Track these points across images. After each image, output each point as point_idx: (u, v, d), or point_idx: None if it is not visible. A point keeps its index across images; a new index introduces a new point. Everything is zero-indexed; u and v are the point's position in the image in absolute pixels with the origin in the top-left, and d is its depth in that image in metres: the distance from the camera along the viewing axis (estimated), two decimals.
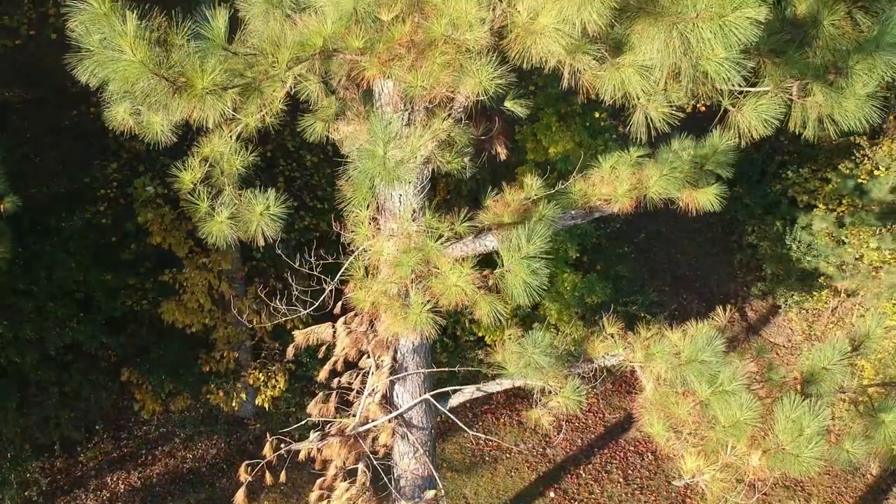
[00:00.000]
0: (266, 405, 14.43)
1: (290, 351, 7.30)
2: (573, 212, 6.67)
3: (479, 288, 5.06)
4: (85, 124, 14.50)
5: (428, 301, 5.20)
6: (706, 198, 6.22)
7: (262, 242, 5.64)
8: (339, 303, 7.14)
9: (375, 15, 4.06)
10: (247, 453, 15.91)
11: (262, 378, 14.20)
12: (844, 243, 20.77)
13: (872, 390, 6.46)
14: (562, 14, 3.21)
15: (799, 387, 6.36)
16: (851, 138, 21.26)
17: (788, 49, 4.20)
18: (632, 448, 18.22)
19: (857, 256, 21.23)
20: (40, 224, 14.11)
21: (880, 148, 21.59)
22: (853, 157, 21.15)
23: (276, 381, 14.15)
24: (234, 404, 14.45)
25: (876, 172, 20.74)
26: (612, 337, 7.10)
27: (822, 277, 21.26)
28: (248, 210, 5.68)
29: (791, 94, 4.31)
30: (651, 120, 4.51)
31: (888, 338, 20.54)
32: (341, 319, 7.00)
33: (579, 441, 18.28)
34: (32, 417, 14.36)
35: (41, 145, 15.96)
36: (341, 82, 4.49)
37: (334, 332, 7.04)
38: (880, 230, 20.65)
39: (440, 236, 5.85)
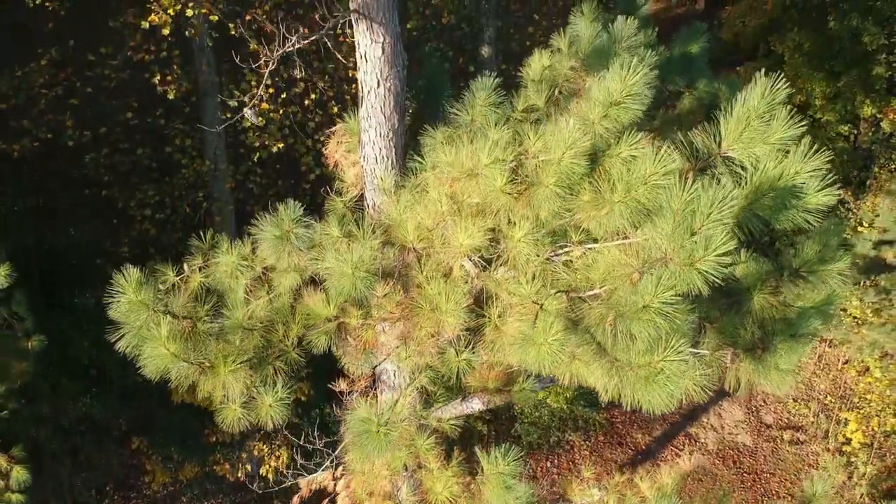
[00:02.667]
0: (270, 475, 15.13)
1: (296, 501, 7.99)
2: (551, 376, 7.37)
3: (463, 491, 5.76)
4: (93, 177, 14.97)
5: (418, 502, 5.90)
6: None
7: (270, 427, 6.31)
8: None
9: (371, 291, 4.75)
10: None
11: (266, 450, 14.90)
12: None
13: None
14: (523, 358, 3.93)
15: None
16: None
17: (726, 316, 4.89)
18: None
19: (842, 308, 21.83)
20: (56, 303, 14.81)
21: (864, 203, 22.21)
22: (838, 212, 21.78)
23: (280, 452, 14.84)
24: (239, 475, 15.17)
25: (860, 229, 21.34)
26: (587, 482, 7.80)
27: None
28: (258, 397, 6.37)
29: (726, 361, 5.01)
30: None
31: (872, 392, 21.08)
32: (342, 480, 7.72)
33: None
34: (49, 487, 15.08)
35: (52, 196, 16.50)
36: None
37: (335, 483, 7.76)
38: (864, 283, 21.25)
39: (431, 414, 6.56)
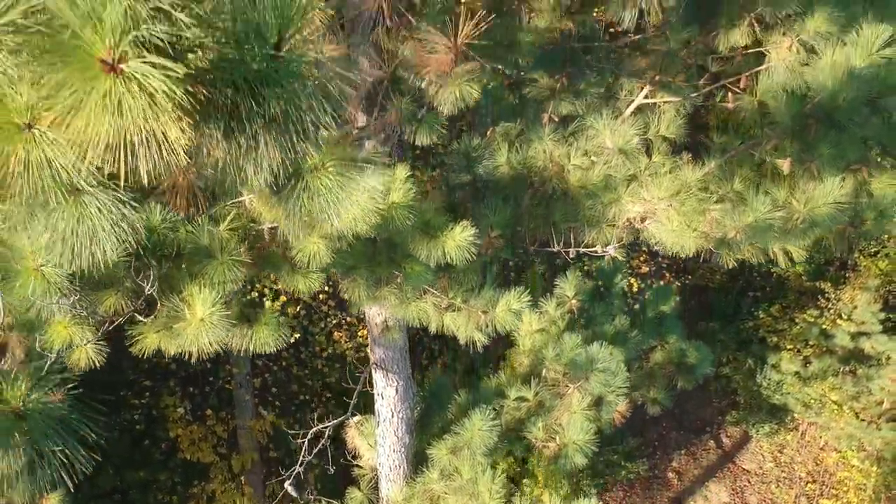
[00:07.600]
0: None
1: None
2: None
3: None
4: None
5: None
6: None
7: None
8: None
9: None
10: None
11: None
12: (810, 383, 22.36)
13: None
14: None
15: None
16: (817, 283, 23.10)
17: None
18: None
19: (822, 393, 22.83)
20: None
21: (844, 293, 23.25)
22: (818, 303, 22.78)
23: None
24: None
25: (838, 321, 22.34)
26: None
27: (789, 417, 22.99)
28: None
29: None
30: None
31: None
32: None
33: None
34: None
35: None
36: None
37: None
38: (842, 372, 22.24)
39: None
